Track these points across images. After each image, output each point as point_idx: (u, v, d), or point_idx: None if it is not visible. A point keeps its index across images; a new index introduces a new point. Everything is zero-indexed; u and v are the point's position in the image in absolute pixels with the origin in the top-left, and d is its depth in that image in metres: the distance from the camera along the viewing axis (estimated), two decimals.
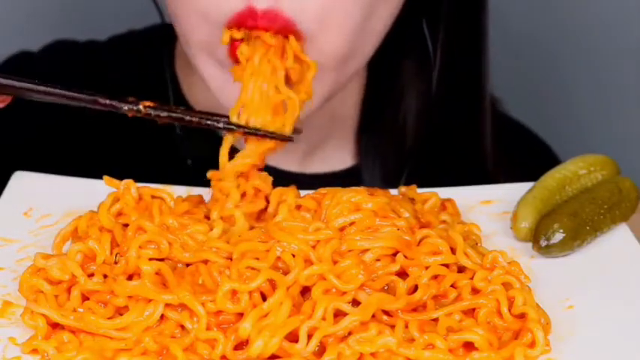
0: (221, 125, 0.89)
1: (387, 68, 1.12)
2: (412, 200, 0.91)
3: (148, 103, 0.88)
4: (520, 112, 1.27)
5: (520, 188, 0.95)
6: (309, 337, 0.76)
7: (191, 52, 1.00)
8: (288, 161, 1.12)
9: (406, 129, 1.12)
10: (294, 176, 1.11)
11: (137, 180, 0.91)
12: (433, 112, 1.12)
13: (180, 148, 1.10)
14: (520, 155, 1.18)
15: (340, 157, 1.15)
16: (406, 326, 0.77)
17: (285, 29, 0.92)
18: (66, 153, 1.11)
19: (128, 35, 1.20)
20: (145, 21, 1.20)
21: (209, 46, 0.96)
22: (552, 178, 0.94)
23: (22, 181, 0.96)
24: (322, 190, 0.87)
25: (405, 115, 1.12)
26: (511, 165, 1.13)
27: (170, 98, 1.12)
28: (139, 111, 0.87)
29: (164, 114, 0.88)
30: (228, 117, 0.89)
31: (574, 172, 0.95)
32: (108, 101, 0.87)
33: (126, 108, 0.87)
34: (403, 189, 0.95)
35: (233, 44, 0.92)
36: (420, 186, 0.96)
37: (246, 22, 0.92)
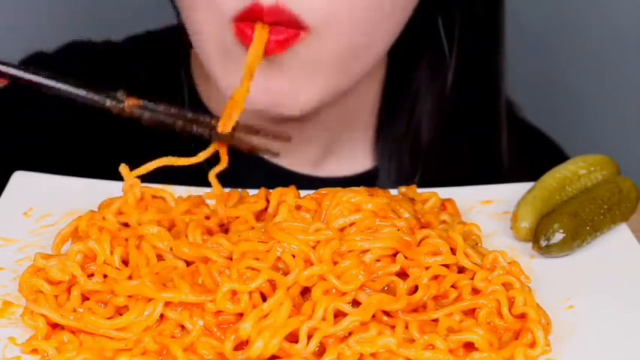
0: (206, 132, 0.89)
1: (402, 68, 1.12)
2: (412, 200, 0.91)
3: (133, 102, 0.86)
4: (526, 112, 1.27)
5: (520, 188, 0.95)
6: (309, 337, 0.76)
7: (204, 53, 1.00)
8: (302, 164, 1.12)
9: (421, 130, 1.12)
10: (308, 179, 1.10)
11: (154, 178, 0.91)
12: (448, 113, 1.12)
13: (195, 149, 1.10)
14: (535, 160, 1.18)
15: (355, 160, 1.15)
16: (406, 327, 0.77)
17: (291, 23, 0.93)
18: (68, 153, 1.11)
19: (146, 36, 1.20)
20: (154, 20, 1.20)
21: (220, 44, 0.96)
22: (552, 178, 0.94)
23: (22, 181, 0.96)
24: (322, 191, 0.86)
25: (421, 116, 1.12)
26: (526, 169, 1.13)
27: (185, 102, 1.12)
28: (122, 110, 0.86)
29: (147, 114, 0.87)
30: (217, 118, 0.89)
31: (574, 172, 0.95)
32: (90, 96, 0.87)
33: (108, 104, 0.86)
34: (403, 189, 0.95)
35: (241, 30, 0.94)
36: (434, 187, 0.96)
37: (253, 16, 0.93)
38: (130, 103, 0.86)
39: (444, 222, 0.89)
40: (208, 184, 0.94)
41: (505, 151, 1.15)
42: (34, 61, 1.15)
